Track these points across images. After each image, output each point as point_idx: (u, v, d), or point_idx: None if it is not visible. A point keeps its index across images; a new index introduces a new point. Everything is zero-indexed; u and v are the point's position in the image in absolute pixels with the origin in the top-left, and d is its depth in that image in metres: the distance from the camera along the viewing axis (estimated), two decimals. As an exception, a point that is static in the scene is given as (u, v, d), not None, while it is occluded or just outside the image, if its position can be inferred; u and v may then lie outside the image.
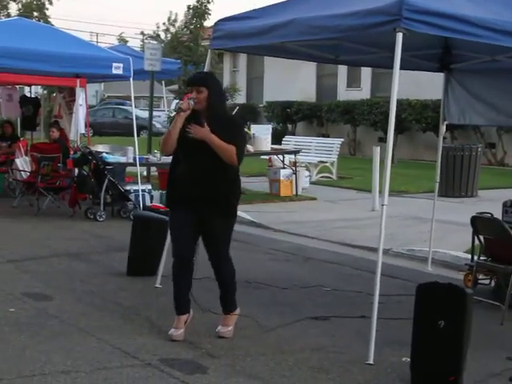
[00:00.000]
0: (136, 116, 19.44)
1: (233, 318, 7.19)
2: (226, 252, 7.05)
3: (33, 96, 22.08)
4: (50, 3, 53.64)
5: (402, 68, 6.94)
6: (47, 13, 53.42)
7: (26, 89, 22.66)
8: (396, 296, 8.67)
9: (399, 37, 6.66)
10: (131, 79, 15.17)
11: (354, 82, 30.41)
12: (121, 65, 14.91)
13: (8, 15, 51.58)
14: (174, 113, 7.14)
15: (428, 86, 19.66)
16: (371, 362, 6.47)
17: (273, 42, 8.24)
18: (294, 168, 17.74)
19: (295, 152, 18.70)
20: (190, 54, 21.51)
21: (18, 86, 20.82)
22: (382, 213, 6.71)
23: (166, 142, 7.01)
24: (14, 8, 53.30)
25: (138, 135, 15.57)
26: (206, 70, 9.17)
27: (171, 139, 6.92)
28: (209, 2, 21.81)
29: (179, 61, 21.47)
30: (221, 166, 6.84)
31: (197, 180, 6.86)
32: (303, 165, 19.60)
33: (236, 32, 8.59)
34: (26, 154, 16.74)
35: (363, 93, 29.50)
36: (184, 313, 7.09)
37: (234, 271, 7.14)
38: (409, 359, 6.17)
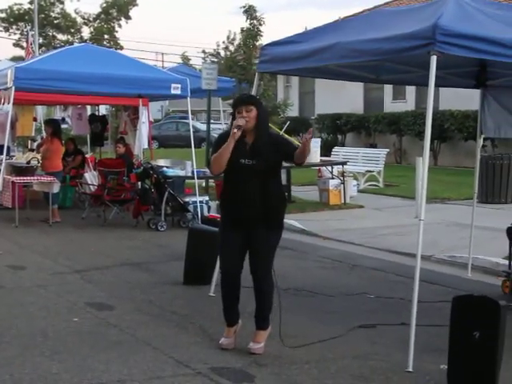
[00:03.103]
0: (197, 129, 19.59)
1: (264, 335, 6.93)
2: (271, 265, 6.85)
3: (101, 114, 22.23)
4: (120, 26, 54.25)
5: (439, 85, 6.82)
6: (116, 35, 54.06)
7: (95, 108, 22.82)
8: (436, 303, 8.47)
9: (433, 59, 6.51)
10: (188, 98, 15.27)
11: (399, 94, 30.10)
12: (179, 85, 15.07)
13: (81, 38, 52.23)
14: (235, 129, 6.83)
15: (468, 97, 19.30)
16: (410, 369, 6.29)
17: (316, 65, 8.13)
18: (341, 178, 17.62)
19: (342, 163, 18.62)
20: (243, 72, 21.53)
21: (87, 106, 20.97)
22: (420, 227, 6.55)
23: (218, 163, 6.74)
24: (86, 31, 53.96)
25: (198, 146, 15.63)
26: (253, 91, 9.04)
27: (223, 160, 6.68)
28: (260, 25, 21.78)
29: (233, 79, 21.48)
30: (270, 185, 6.70)
31: (249, 201, 6.67)
32: (351, 174, 19.40)
33: (281, 56, 8.50)
34: (94, 169, 16.85)
35: (408, 105, 29.23)
36: (233, 324, 6.98)
37: (273, 284, 6.90)
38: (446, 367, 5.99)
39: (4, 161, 14.99)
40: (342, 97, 30.53)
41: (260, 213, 6.68)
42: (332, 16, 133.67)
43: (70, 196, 17.13)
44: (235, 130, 6.59)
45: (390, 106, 30.32)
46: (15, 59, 31.13)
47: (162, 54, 71.03)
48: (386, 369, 6.41)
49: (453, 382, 5.86)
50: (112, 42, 52.52)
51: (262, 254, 6.80)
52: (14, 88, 13.95)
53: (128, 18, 53.92)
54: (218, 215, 12.60)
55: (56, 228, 14.32)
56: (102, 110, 23.67)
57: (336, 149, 24.06)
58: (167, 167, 15.43)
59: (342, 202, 17.35)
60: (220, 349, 6.86)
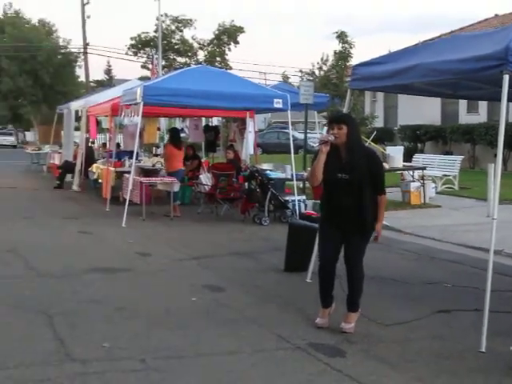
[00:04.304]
0: (295, 137, 19.61)
1: (354, 317, 6.87)
2: (361, 260, 6.82)
3: (213, 125, 22.47)
4: (229, 50, 54.66)
5: (510, 101, 6.59)
6: (226, 57, 54.48)
7: (209, 119, 23.08)
8: (507, 292, 8.27)
9: (506, 78, 6.35)
10: (289, 111, 15.31)
11: (472, 108, 29.34)
12: (280, 100, 15.13)
13: (197, 60, 52.83)
14: (317, 144, 6.86)
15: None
16: (483, 350, 6.15)
17: (400, 83, 8.04)
18: (421, 181, 17.40)
19: (422, 168, 18.44)
20: (336, 89, 21.44)
21: (202, 118, 21.22)
22: (493, 225, 6.42)
23: (313, 176, 6.73)
24: (201, 55, 54.58)
25: (296, 153, 15.69)
26: (345, 107, 9.00)
27: (317, 173, 6.64)
28: (351, 48, 21.64)
29: (327, 95, 21.40)
30: (364, 197, 6.58)
31: (345, 213, 6.62)
32: (429, 178, 19.07)
33: (369, 75, 8.41)
34: (208, 171, 17.05)
35: (481, 117, 28.48)
36: (327, 306, 6.97)
37: (363, 276, 6.86)
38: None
39: (134, 164, 15.31)
40: (421, 110, 29.92)
41: (355, 224, 6.63)
42: (412, 39, 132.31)
43: (187, 194, 17.38)
44: (322, 145, 6.59)
45: (465, 118, 29.62)
46: (142, 79, 31.63)
47: (265, 73, 71.10)
48: (462, 349, 6.28)
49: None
50: (223, 64, 52.90)
51: (356, 250, 6.77)
52: (142, 103, 14.25)
53: (236, 42, 54.20)
54: (314, 212, 12.63)
55: (176, 221, 14.54)
56: (215, 121, 23.86)
57: (416, 156, 23.65)
58: (270, 170, 15.49)
59: (422, 202, 17.08)
60: (316, 327, 6.85)
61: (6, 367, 5.57)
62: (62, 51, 64.08)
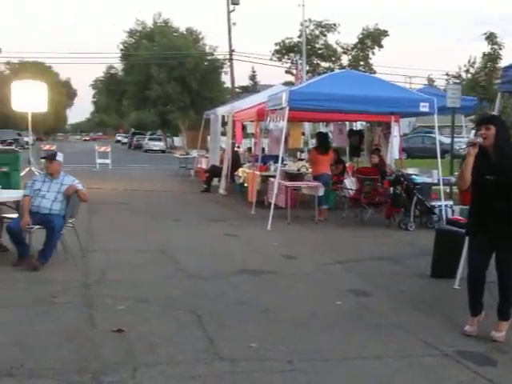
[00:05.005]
0: (441, 142, 19.19)
1: (505, 325, 6.65)
2: None
3: (357, 129, 22.37)
4: (373, 54, 54.21)
5: None
6: (370, 61, 54.07)
7: (352, 124, 23.01)
8: None
9: None
10: (435, 115, 15.00)
11: None
12: (427, 104, 14.81)
13: (340, 65, 52.77)
14: (465, 146, 6.73)
15: None
16: None
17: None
18: None
19: None
20: (484, 92, 20.85)
21: (346, 122, 21.20)
22: None
23: (461, 179, 6.63)
24: (344, 59, 54.44)
25: (442, 157, 15.40)
26: (495, 110, 8.74)
27: (465, 176, 6.53)
28: (500, 49, 21.00)
29: (475, 98, 20.85)
30: None
31: (494, 217, 6.46)
32: None
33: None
34: (353, 176, 17.01)
35: None
36: (477, 314, 6.80)
37: None
38: None
39: (279, 168, 15.50)
40: None
41: (505, 229, 6.44)
42: None
43: (332, 198, 17.39)
44: (470, 148, 6.45)
45: None
46: (286, 84, 32.02)
47: (410, 77, 69.94)
48: None
49: None
50: (366, 68, 52.52)
51: (506, 256, 6.53)
52: (287, 108, 14.40)
53: (380, 46, 53.72)
54: (461, 218, 12.34)
55: (321, 225, 14.60)
56: (359, 125, 23.77)
57: None
58: (416, 175, 15.29)
59: None
60: (464, 335, 6.71)
61: (158, 363, 5.80)
62: (209, 58, 65.84)
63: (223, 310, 7.61)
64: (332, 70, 48.71)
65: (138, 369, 5.64)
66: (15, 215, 10.12)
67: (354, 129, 21.96)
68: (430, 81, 61.24)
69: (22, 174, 19.99)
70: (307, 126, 26.53)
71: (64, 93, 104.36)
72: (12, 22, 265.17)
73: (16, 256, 9.76)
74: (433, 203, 14.44)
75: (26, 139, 53.50)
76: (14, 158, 18.73)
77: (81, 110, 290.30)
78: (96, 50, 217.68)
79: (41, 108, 25.19)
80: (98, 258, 10.45)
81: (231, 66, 57.12)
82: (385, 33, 54.14)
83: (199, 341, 6.44)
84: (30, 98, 24.19)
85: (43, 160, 12.39)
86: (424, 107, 14.84)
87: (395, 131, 17.69)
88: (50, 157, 10.20)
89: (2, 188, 10.44)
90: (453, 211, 14.58)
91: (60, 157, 10.15)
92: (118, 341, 6.38)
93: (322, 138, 16.48)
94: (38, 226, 9.54)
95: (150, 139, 70.59)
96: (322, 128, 26.81)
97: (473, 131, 28.95)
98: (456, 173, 15.17)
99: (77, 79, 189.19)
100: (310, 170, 16.92)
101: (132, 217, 15.73)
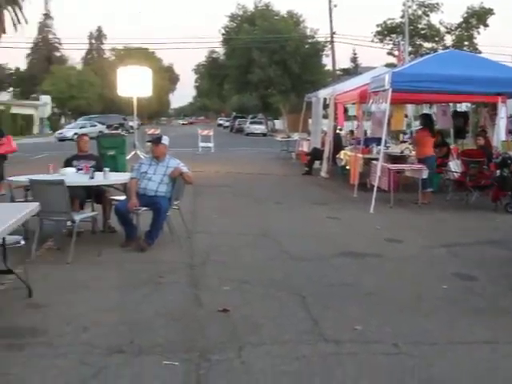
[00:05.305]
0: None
1: None
2: None
3: (462, 111, 21.88)
4: (478, 33, 52.76)
5: None
6: (475, 41, 52.64)
7: (456, 105, 22.53)
8: None
9: None
10: (546, 95, 14.50)
11: None
12: (535, 84, 14.31)
13: (444, 45, 51.59)
14: None
15: None
16: None
17: None
18: None
19: None
20: None
21: (450, 104, 20.75)
22: None
23: None
24: (448, 39, 53.20)
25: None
26: None
27: None
28: None
29: None
30: None
31: None
32: None
33: None
34: (457, 158, 16.65)
35: None
36: None
37: None
38: None
39: (382, 151, 15.32)
40: None
41: None
42: None
43: (436, 181, 17.04)
44: None
45: None
46: (388, 66, 31.57)
47: (517, 56, 67.83)
48: None
49: None
50: (471, 48, 51.18)
51: None
52: (390, 89, 14.21)
53: (486, 25, 52.23)
54: None
55: (424, 209, 14.37)
56: (463, 106, 23.24)
57: None
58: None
59: None
60: None
61: (263, 343, 5.85)
62: (310, 41, 65.60)
63: (326, 291, 7.61)
64: (435, 50, 47.65)
65: (243, 348, 5.71)
66: (123, 197, 10.40)
67: (458, 110, 21.51)
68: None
69: (127, 157, 20.54)
70: (410, 108, 26.10)
71: (167, 78, 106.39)
72: (115, 9, 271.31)
73: (124, 237, 10.05)
74: (542, 186, 13.97)
75: (130, 124, 54.88)
76: (121, 141, 19.28)
77: (183, 94, 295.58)
78: (198, 35, 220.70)
79: (146, 93, 25.76)
80: (202, 239, 10.63)
81: (332, 49, 56.87)
82: (490, 11, 52.51)
83: (303, 322, 6.47)
84: (135, 84, 24.79)
85: (149, 143, 12.67)
86: (532, 87, 14.36)
87: (502, 112, 17.19)
88: (156, 140, 10.44)
89: (110, 171, 10.74)
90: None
91: (165, 140, 10.36)
92: (223, 320, 6.48)
93: (427, 120, 16.18)
94: (144, 208, 9.78)
95: (251, 122, 71.20)
96: (426, 110, 26.30)
97: None
98: None
99: (179, 64, 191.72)
100: (414, 152, 16.66)
101: (234, 199, 15.91)
